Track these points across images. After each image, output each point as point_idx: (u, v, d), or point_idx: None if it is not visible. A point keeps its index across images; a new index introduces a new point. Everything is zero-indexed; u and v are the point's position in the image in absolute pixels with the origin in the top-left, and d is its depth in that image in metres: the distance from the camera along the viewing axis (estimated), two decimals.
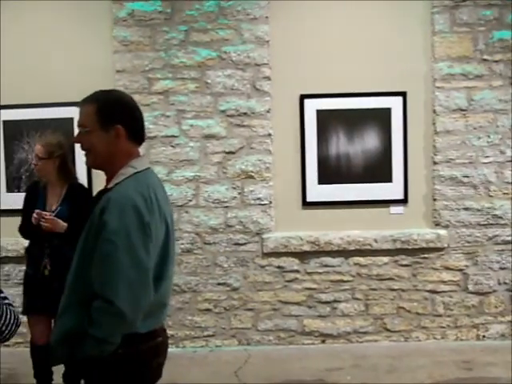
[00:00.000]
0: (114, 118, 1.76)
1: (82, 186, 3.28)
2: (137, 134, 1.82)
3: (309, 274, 4.13)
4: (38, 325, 3.16)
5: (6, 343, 4.10)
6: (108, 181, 1.82)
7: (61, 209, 3.14)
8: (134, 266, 1.65)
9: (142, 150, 1.83)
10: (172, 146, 4.07)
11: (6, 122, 4.08)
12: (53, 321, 3.12)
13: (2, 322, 1.41)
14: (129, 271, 1.64)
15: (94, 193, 2.95)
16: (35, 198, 3.20)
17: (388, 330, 4.14)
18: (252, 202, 4.08)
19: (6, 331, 1.44)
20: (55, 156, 3.11)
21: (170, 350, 1.90)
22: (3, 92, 4.13)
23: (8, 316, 1.44)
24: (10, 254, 4.06)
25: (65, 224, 3.08)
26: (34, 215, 3.04)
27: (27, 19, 4.15)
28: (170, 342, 1.92)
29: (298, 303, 4.14)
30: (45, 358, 3.13)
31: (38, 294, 3.13)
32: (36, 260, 3.16)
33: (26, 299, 3.19)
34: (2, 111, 4.08)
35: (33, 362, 3.23)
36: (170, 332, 3.48)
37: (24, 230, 3.21)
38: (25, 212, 3.19)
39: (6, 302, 1.49)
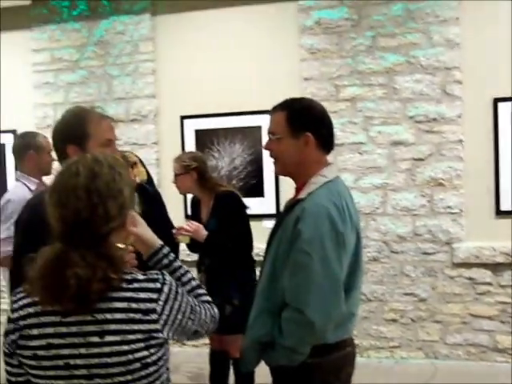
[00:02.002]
0: (304, 125, 2.01)
1: (229, 195, 3.60)
2: (326, 142, 2.07)
3: (502, 287, 4.61)
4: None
5: (195, 344, 5.00)
6: (297, 190, 2.09)
7: (210, 222, 3.57)
8: (326, 277, 1.89)
9: (329, 157, 2.14)
10: (359, 153, 4.77)
11: (198, 131, 5.00)
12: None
13: (196, 323, 1.52)
14: (321, 282, 1.88)
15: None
16: (194, 212, 3.82)
17: None
18: (442, 210, 4.66)
19: (203, 330, 1.58)
20: (190, 169, 3.56)
21: None
22: (196, 102, 5.02)
23: (203, 317, 1.55)
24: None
25: (205, 233, 3.46)
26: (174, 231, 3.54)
27: (218, 30, 5.04)
28: None
29: (489, 317, 4.63)
30: (218, 362, 3.78)
31: None
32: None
33: None
34: (195, 120, 5.01)
35: (210, 364, 3.86)
36: (354, 341, 4.16)
37: (188, 245, 3.65)
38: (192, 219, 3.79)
39: (204, 298, 1.63)
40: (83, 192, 1.35)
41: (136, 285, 1.40)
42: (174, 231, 3.45)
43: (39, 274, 1.34)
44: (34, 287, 1.36)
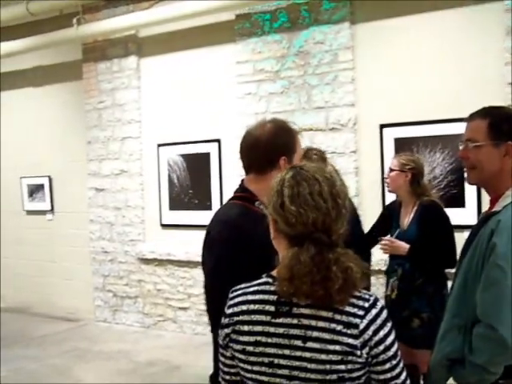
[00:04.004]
0: (507, 134, 2.17)
1: (434, 205, 3.91)
2: None
3: None
4: None
5: None
6: (492, 201, 2.24)
7: (411, 229, 3.90)
8: None
9: None
10: None
11: (397, 140, 5.60)
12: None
13: (394, 378, 1.61)
14: None
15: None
16: (391, 215, 4.15)
17: None
18: None
19: None
20: (407, 169, 3.95)
21: None
22: (395, 110, 5.62)
23: (403, 379, 1.63)
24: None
25: (406, 246, 3.82)
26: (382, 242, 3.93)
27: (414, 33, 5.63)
28: None
29: None
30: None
31: None
32: (388, 281, 4.05)
33: None
34: (394, 129, 5.62)
35: None
36: None
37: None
38: (373, 226, 4.26)
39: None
40: (328, 196, 1.58)
41: None
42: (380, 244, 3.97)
43: (303, 271, 1.53)
44: (295, 283, 1.54)
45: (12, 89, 8.68)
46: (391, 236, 4.02)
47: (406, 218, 3.99)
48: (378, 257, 4.56)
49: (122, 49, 7.36)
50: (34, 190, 8.48)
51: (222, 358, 1.75)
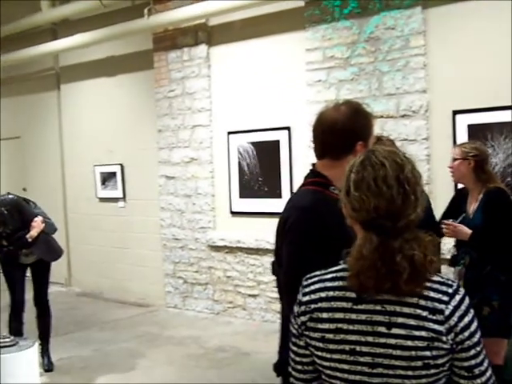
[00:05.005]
0: None
1: (500, 192, 3.98)
2: None
3: None
4: None
5: None
6: None
7: (476, 216, 3.99)
8: None
9: None
10: None
11: (470, 126, 5.58)
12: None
13: (478, 366, 1.59)
14: None
15: None
16: (459, 202, 4.22)
17: None
18: None
19: None
20: (469, 156, 4.01)
21: None
22: (469, 95, 5.60)
23: (488, 372, 1.61)
24: None
25: (468, 231, 3.90)
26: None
27: None
28: None
29: None
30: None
31: None
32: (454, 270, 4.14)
33: None
34: (468, 115, 5.60)
35: None
36: None
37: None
38: (444, 213, 4.32)
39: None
40: (394, 181, 1.56)
41: (428, 284, 1.57)
42: (443, 227, 4.03)
43: (366, 266, 1.54)
44: (360, 279, 1.55)
45: (86, 79, 9.06)
46: (455, 220, 4.07)
47: (472, 206, 4.07)
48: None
49: (192, 38, 7.57)
50: (107, 178, 8.83)
51: (294, 348, 1.73)
